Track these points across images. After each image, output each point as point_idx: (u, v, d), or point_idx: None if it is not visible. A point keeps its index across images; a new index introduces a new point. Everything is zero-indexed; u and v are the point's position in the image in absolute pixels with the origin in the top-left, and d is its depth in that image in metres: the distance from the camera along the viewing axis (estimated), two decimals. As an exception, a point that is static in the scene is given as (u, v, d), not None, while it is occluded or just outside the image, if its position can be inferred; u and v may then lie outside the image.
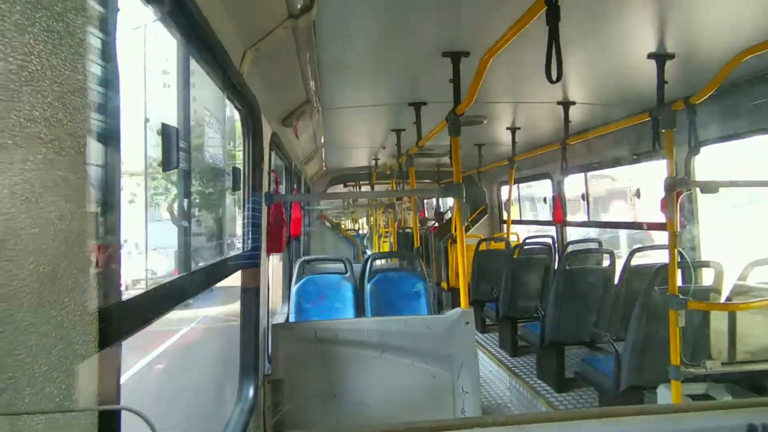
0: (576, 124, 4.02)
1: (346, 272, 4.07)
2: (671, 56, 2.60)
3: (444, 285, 7.28)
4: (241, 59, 1.87)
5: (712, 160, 3.52)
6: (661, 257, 3.35)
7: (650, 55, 2.60)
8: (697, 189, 3.36)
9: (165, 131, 1.22)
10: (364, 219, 12.92)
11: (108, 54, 0.80)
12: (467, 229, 7.75)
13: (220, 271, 1.99)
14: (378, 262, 4.47)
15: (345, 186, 8.71)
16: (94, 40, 0.76)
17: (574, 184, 5.53)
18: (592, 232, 6.53)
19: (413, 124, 3.76)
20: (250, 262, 2.42)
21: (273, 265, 4.31)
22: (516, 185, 7.21)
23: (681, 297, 2.62)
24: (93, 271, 0.77)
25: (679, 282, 2.70)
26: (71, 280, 0.70)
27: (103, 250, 0.79)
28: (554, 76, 1.67)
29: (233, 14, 1.63)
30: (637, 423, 0.66)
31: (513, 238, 6.40)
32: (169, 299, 1.20)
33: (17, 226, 0.60)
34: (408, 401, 2.60)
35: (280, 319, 4.52)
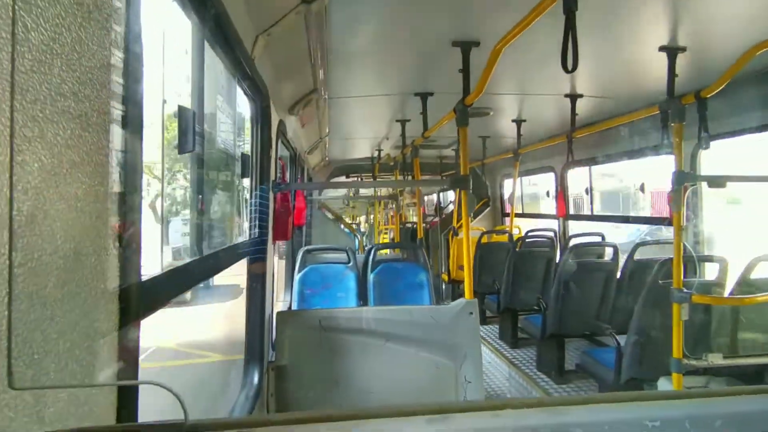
0: (582, 118, 4.00)
1: (349, 262, 4.08)
2: (683, 49, 2.58)
3: (444, 277, 7.30)
4: (253, 44, 1.86)
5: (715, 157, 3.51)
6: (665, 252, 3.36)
7: (662, 48, 2.58)
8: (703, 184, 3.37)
9: (181, 113, 1.21)
10: (363, 217, 12.91)
11: (133, 31, 0.79)
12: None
13: (229, 256, 1.99)
14: (380, 254, 4.48)
15: (347, 177, 8.70)
16: (120, 16, 0.75)
17: (581, 179, 5.51)
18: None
19: (419, 114, 3.74)
20: (257, 250, 2.42)
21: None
22: (519, 178, 7.20)
23: (685, 291, 2.63)
24: (115, 251, 0.76)
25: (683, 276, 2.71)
26: (94, 258, 0.70)
27: (125, 230, 0.79)
28: (570, 66, 1.66)
29: None
30: (665, 407, 0.67)
31: (516, 231, 6.40)
32: (184, 281, 1.20)
33: (45, 201, 0.60)
34: (411, 390, 2.62)
35: (280, 307, 4.53)
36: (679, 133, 2.67)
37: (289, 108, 3.10)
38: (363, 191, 9.73)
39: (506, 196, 7.67)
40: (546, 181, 6.35)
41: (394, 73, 3.19)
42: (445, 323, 2.67)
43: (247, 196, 2.47)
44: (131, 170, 0.80)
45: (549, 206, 6.26)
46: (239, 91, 2.20)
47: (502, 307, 5.30)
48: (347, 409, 0.62)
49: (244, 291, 2.47)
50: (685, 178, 2.64)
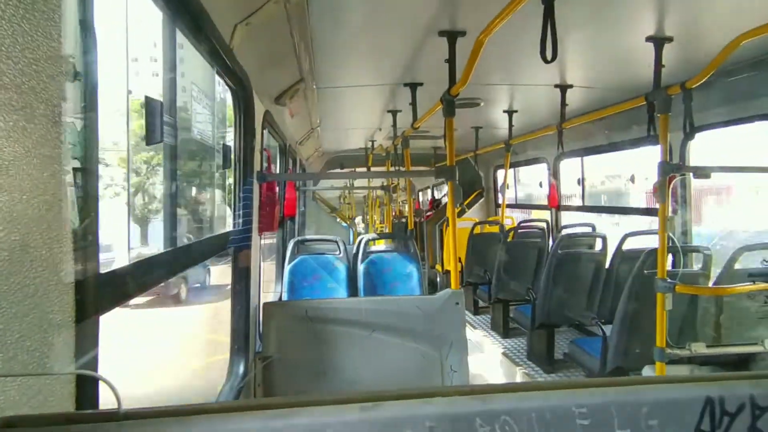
0: (573, 108, 4.00)
1: (339, 253, 4.09)
2: (669, 39, 2.57)
3: (439, 268, 7.33)
4: (231, 34, 1.84)
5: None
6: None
7: (648, 38, 2.57)
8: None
9: (148, 104, 1.20)
10: (360, 217, 12.91)
11: (85, 21, 0.78)
12: (462, 212, 7.77)
13: (210, 248, 1.99)
14: (373, 245, 4.49)
15: (342, 168, 8.69)
16: (70, 6, 0.75)
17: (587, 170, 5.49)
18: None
19: (409, 105, 3.73)
20: (241, 241, 2.42)
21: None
22: (512, 169, 7.20)
23: (669, 281, 2.65)
24: (69, 242, 0.76)
25: (669, 266, 2.73)
26: (45, 250, 0.70)
27: (81, 222, 0.79)
28: (549, 56, 1.65)
29: None
30: (593, 394, 0.68)
31: (508, 222, 6.42)
32: (152, 274, 1.20)
33: None
34: (397, 380, 2.64)
35: (271, 298, 4.55)
36: (665, 123, 2.67)
37: (276, 98, 3.08)
38: (358, 183, 9.71)
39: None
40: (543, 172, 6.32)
41: (382, 62, 3.17)
42: (431, 313, 2.69)
43: (231, 188, 2.46)
44: (87, 160, 0.79)
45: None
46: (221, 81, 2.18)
47: (493, 298, 5.34)
48: (286, 398, 0.63)
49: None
50: (671, 169, 2.64)
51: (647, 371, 2.96)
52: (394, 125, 4.73)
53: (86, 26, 0.78)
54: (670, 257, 3.03)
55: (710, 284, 2.99)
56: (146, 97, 1.21)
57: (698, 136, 3.29)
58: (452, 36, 2.54)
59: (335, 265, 4.07)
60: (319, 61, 2.90)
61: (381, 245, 4.96)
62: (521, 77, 3.56)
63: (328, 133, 6.04)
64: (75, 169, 0.77)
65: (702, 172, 2.70)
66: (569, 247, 4.33)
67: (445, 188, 10.06)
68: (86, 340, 0.79)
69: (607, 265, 4.13)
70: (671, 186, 2.77)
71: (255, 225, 2.59)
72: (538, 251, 5.15)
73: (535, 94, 4.01)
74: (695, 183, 3.74)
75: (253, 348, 2.56)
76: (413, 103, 3.68)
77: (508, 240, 5.31)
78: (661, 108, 2.69)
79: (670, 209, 2.88)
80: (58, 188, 0.73)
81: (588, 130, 4.60)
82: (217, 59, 1.84)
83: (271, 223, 2.75)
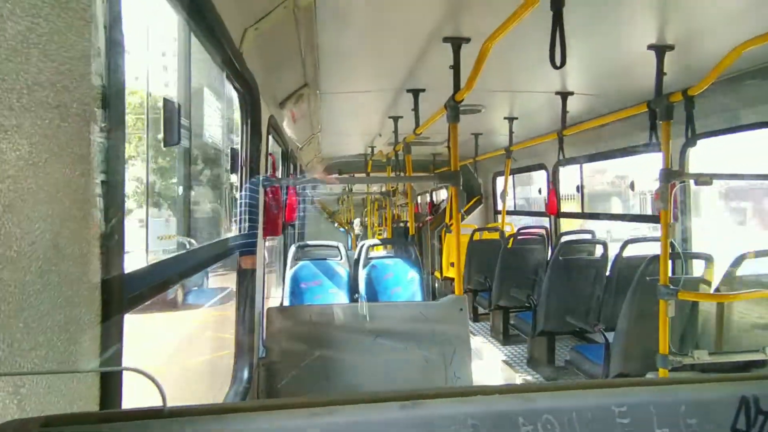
0: (574, 115, 4.03)
1: (340, 258, 4.09)
2: (671, 47, 2.60)
3: (437, 275, 7.32)
4: (241, 38, 1.85)
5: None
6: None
7: (650, 46, 2.61)
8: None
9: (166, 106, 1.21)
10: (358, 219, 12.94)
11: (114, 22, 0.79)
12: (461, 218, 7.78)
13: (218, 251, 1.99)
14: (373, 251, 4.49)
15: (341, 174, 8.69)
16: (100, 6, 0.75)
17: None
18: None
19: (411, 110, 3.74)
20: (247, 245, 2.42)
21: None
22: (512, 176, 7.23)
23: (671, 287, 2.66)
24: (97, 242, 0.76)
25: (670, 273, 2.74)
26: (75, 249, 0.70)
27: (107, 221, 0.79)
28: (558, 62, 1.67)
29: None
30: (632, 394, 0.69)
31: (507, 229, 6.43)
32: (171, 275, 1.20)
33: (24, 191, 0.60)
34: (400, 386, 2.63)
35: (272, 303, 4.53)
36: (667, 130, 2.70)
37: (280, 103, 3.09)
38: (357, 188, 9.73)
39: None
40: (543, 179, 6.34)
41: (385, 69, 3.19)
42: (434, 319, 2.68)
43: (237, 191, 2.46)
44: (114, 161, 0.79)
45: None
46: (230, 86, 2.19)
47: (493, 305, 5.33)
48: (326, 395, 0.63)
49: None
50: (672, 176, 2.67)
51: (650, 378, 2.96)
52: (396, 131, 4.75)
53: (115, 26, 0.79)
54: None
55: (712, 290, 3.00)
56: (164, 99, 1.21)
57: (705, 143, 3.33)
58: (457, 42, 2.56)
59: (336, 271, 4.06)
60: (324, 67, 2.92)
61: (381, 251, 4.96)
62: (523, 84, 3.59)
63: (328, 139, 6.05)
64: (103, 168, 0.77)
65: (703, 179, 2.73)
66: (569, 253, 4.34)
67: (443, 193, 10.10)
68: (111, 339, 0.79)
69: (608, 272, 4.14)
70: (672, 193, 2.79)
71: (260, 229, 2.59)
72: (538, 258, 5.16)
73: (536, 100, 4.04)
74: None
75: (256, 353, 2.55)
76: (415, 109, 3.70)
77: (508, 247, 5.32)
78: (662, 115, 2.72)
79: (671, 216, 2.90)
80: (87, 187, 0.74)
81: (588, 137, 4.64)
82: (228, 63, 1.85)
83: (276, 228, 2.75)
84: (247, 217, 2.41)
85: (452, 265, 6.19)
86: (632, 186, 4.86)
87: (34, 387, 0.63)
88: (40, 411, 0.64)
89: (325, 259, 4.12)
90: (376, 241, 4.84)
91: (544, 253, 5.16)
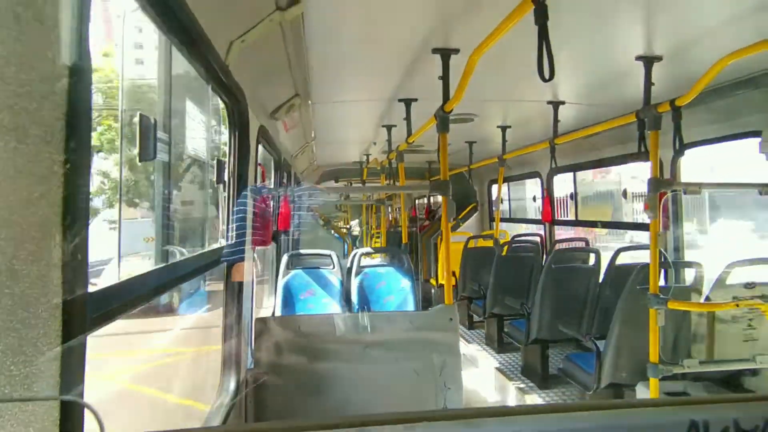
0: (566, 124, 4.05)
1: (333, 267, 4.08)
2: (659, 58, 2.62)
3: (433, 282, 7.31)
4: (227, 51, 1.85)
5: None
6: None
7: (638, 57, 2.63)
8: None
9: (142, 122, 1.21)
10: (356, 221, 12.97)
11: (82, 42, 0.79)
12: (457, 226, 7.79)
13: (203, 263, 1.98)
14: (366, 259, 4.48)
15: (337, 182, 8.70)
16: (66, 28, 0.75)
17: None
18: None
19: (403, 120, 3.76)
20: (234, 255, 2.41)
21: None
22: (507, 183, 7.25)
23: (661, 296, 2.66)
24: (58, 262, 0.76)
25: (661, 282, 2.74)
26: (32, 270, 0.69)
27: (70, 241, 0.78)
28: (546, 75, 1.68)
29: (218, 4, 1.62)
30: (580, 419, 0.68)
31: (502, 236, 6.44)
32: (144, 291, 1.18)
33: None
34: (391, 397, 2.61)
35: (265, 312, 4.51)
36: (655, 140, 2.71)
37: (271, 113, 3.10)
38: (353, 195, 9.74)
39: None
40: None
41: (376, 79, 3.21)
42: (424, 329, 2.68)
43: (225, 202, 2.46)
44: (78, 181, 0.79)
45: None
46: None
47: (487, 312, 5.32)
48: (312, 419, 0.63)
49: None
50: (661, 185, 2.67)
51: (641, 387, 2.95)
52: (389, 140, 4.76)
53: (82, 46, 0.79)
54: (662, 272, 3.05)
55: (702, 299, 3.00)
56: (140, 115, 1.21)
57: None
58: (446, 54, 2.58)
59: (329, 279, 4.05)
60: (314, 77, 2.93)
61: (375, 259, 4.95)
62: (514, 93, 3.61)
63: (322, 147, 6.06)
64: (66, 189, 0.76)
65: (692, 189, 2.74)
66: (563, 261, 4.34)
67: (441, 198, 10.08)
68: (73, 363, 0.78)
69: (600, 280, 4.14)
70: (662, 202, 2.80)
71: (248, 240, 2.58)
72: (532, 266, 5.16)
73: (528, 110, 4.06)
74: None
75: (244, 364, 2.53)
76: (407, 119, 3.71)
77: (503, 254, 5.31)
78: (651, 125, 2.74)
79: (661, 225, 2.91)
80: (48, 208, 0.73)
81: (581, 146, 4.66)
82: (213, 76, 1.85)
83: (265, 238, 2.74)
84: (234, 227, 2.40)
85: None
86: (624, 194, 4.87)
87: None
88: None
89: (318, 267, 4.11)
90: (368, 249, 4.83)
91: (539, 261, 5.16)
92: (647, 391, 2.77)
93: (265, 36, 1.96)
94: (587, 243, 5.11)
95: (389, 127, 4.60)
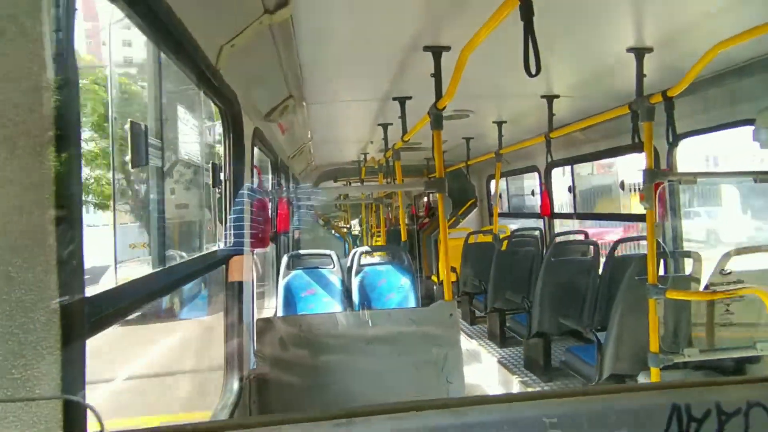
0: (561, 117, 4.05)
1: (333, 266, 4.10)
2: (649, 50, 2.62)
3: (435, 279, 7.33)
4: (217, 55, 1.87)
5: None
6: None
7: (629, 49, 2.63)
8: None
9: (133, 129, 1.22)
10: (356, 220, 13.00)
11: (67, 54, 0.80)
12: (456, 222, 7.80)
13: (202, 266, 2.00)
14: (366, 257, 4.50)
15: (335, 182, 8.72)
16: (50, 41, 0.77)
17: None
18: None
19: (399, 118, 3.77)
20: (233, 258, 2.43)
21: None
22: (505, 179, 7.25)
23: (660, 286, 2.67)
24: (53, 268, 0.77)
25: (661, 272, 2.76)
26: (29, 276, 0.71)
27: (65, 246, 0.80)
28: (533, 70, 1.69)
29: (206, 9, 1.63)
30: (564, 404, 0.69)
31: (501, 231, 6.44)
32: (142, 295, 1.20)
33: None
34: (393, 393, 2.63)
35: (267, 313, 4.53)
36: (649, 131, 2.72)
37: (266, 115, 3.11)
38: (352, 195, 9.75)
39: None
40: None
41: (369, 78, 3.22)
42: (425, 325, 2.69)
43: (221, 205, 2.48)
44: (70, 188, 0.81)
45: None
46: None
47: (489, 308, 5.34)
48: (303, 412, 0.64)
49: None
50: (656, 176, 2.68)
51: (642, 377, 2.96)
52: (385, 138, 4.77)
53: (68, 55, 0.80)
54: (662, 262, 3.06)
55: (701, 288, 3.01)
56: (131, 122, 1.23)
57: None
58: (437, 51, 2.59)
59: (329, 279, 4.07)
60: (307, 78, 2.94)
61: (375, 257, 4.96)
62: (508, 88, 3.62)
63: (319, 147, 6.08)
64: (58, 196, 0.78)
65: (687, 179, 2.74)
66: (562, 254, 4.35)
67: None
68: (73, 365, 0.80)
69: (599, 272, 4.15)
70: (658, 192, 2.81)
71: (247, 242, 2.60)
72: (532, 260, 5.17)
73: (522, 104, 4.07)
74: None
75: (247, 365, 2.55)
76: (402, 117, 3.72)
77: (502, 249, 5.32)
78: (644, 116, 2.74)
79: (657, 216, 2.92)
80: (41, 216, 0.75)
81: (577, 139, 4.66)
82: (204, 81, 1.87)
83: (264, 240, 2.76)
84: (232, 230, 2.42)
85: (452, 269, 6.21)
86: (622, 185, 4.87)
87: None
88: None
89: (318, 267, 4.13)
90: (367, 248, 4.85)
91: (538, 255, 5.17)
92: (648, 381, 2.78)
93: (254, 39, 1.98)
94: (586, 235, 5.12)
95: (385, 126, 4.61)
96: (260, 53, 2.22)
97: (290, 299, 3.96)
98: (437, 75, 2.67)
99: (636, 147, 3.02)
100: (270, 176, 4.43)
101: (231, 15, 1.79)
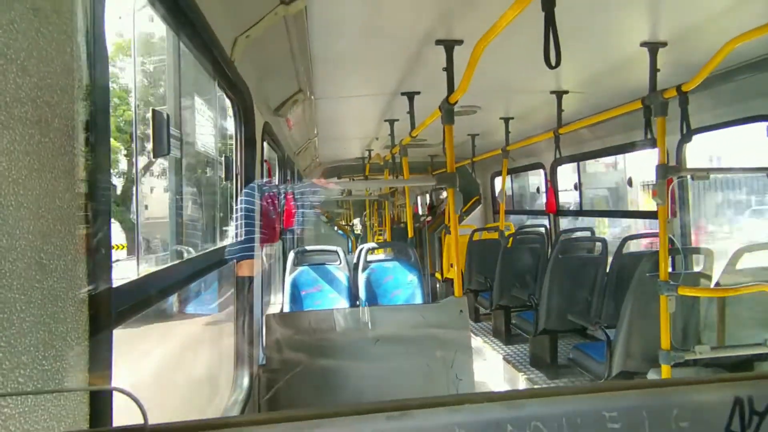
0: (569, 113, 4.03)
1: (339, 262, 4.08)
2: (664, 44, 2.60)
3: (438, 276, 7.31)
4: (232, 46, 1.85)
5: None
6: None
7: (643, 44, 2.61)
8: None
9: (155, 117, 1.21)
10: (358, 219, 12.99)
11: (97, 35, 0.79)
12: (461, 219, 7.78)
13: (215, 260, 1.99)
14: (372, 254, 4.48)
15: (339, 178, 8.70)
16: (82, 20, 0.75)
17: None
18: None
19: (406, 113, 3.75)
20: (244, 252, 2.41)
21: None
22: (510, 176, 7.22)
23: (671, 283, 2.66)
24: (83, 257, 0.76)
25: (670, 268, 2.74)
26: (59, 264, 0.70)
27: (93, 235, 0.78)
28: (553, 62, 1.67)
29: (223, 0, 1.61)
30: (623, 398, 0.68)
31: (507, 228, 6.42)
32: (163, 287, 1.19)
33: (4, 208, 0.60)
34: (402, 390, 2.62)
35: (273, 309, 4.52)
36: (662, 127, 2.70)
37: (275, 109, 3.10)
38: (355, 192, 9.74)
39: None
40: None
41: (379, 72, 3.20)
42: (435, 321, 2.68)
43: (233, 199, 2.46)
44: (99, 174, 0.79)
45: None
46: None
47: (494, 305, 5.32)
48: (312, 409, 0.63)
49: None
50: (668, 172, 2.66)
51: (652, 375, 2.95)
52: (392, 134, 4.75)
53: (98, 38, 0.78)
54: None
55: (712, 285, 3.00)
56: (153, 110, 1.21)
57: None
58: (449, 45, 2.57)
59: (336, 275, 4.06)
60: (317, 72, 2.92)
61: (381, 254, 4.95)
62: (517, 84, 3.59)
63: (325, 143, 6.05)
64: (88, 182, 0.76)
65: (700, 174, 2.73)
66: (569, 251, 4.33)
67: (443, 194, 10.12)
68: (100, 355, 0.78)
69: (608, 269, 4.13)
70: (670, 189, 2.79)
71: (257, 237, 2.59)
72: (538, 257, 5.15)
73: (531, 100, 4.04)
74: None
75: (256, 361, 2.54)
76: (411, 112, 3.70)
77: (508, 246, 5.31)
78: (657, 111, 2.72)
79: (669, 212, 2.90)
80: (71, 202, 0.73)
81: (585, 135, 4.64)
82: (219, 72, 1.85)
83: (273, 235, 2.74)
84: (243, 224, 2.40)
85: (452, 266, 6.20)
86: (630, 182, 4.85)
87: (18, 407, 0.62)
88: (26, 431, 0.63)
89: (324, 264, 4.11)
90: (374, 245, 4.83)
91: (544, 252, 5.15)
92: (658, 378, 2.77)
93: (268, 31, 1.96)
94: (593, 232, 5.10)
95: (392, 122, 4.59)
96: (273, 45, 2.20)
97: (297, 295, 3.95)
98: (449, 69, 2.65)
99: (647, 143, 2.99)
100: (277, 172, 4.41)
101: (247, 6, 1.78)
